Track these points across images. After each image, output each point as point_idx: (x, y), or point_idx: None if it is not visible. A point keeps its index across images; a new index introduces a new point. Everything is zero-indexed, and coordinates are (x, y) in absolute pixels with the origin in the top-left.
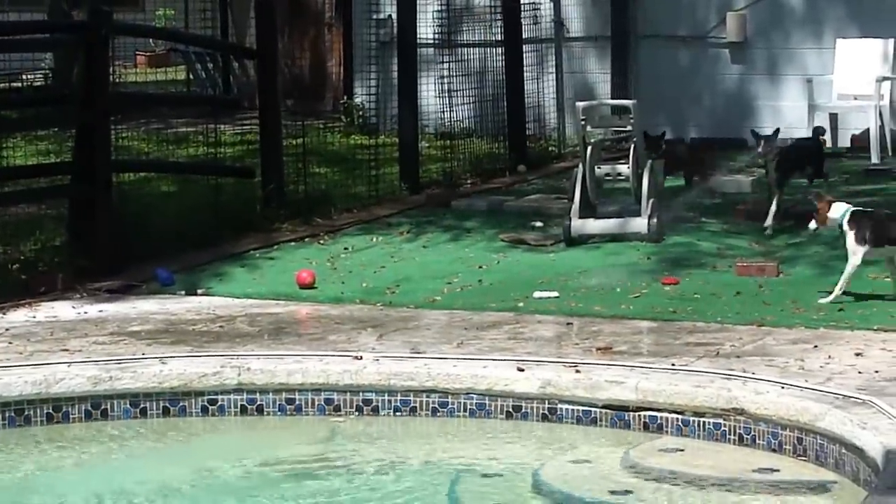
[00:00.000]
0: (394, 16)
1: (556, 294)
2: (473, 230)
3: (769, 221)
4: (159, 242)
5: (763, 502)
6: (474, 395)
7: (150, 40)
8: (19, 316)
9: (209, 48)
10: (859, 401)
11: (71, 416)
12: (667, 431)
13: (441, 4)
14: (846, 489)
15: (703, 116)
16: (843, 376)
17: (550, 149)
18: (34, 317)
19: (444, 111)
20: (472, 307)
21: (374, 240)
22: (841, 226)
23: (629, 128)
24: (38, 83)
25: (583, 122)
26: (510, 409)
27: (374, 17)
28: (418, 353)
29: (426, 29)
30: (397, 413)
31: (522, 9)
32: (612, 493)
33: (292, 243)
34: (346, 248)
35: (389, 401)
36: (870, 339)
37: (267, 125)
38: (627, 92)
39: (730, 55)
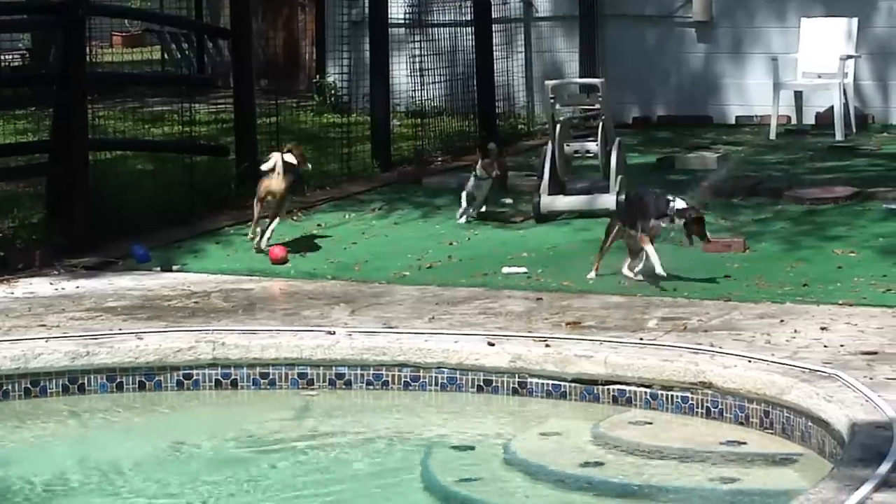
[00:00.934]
0: None
1: (524, 270)
2: (444, 207)
3: None
4: (135, 220)
5: (730, 474)
6: (445, 370)
7: (126, 21)
8: None
9: (184, 28)
10: (825, 374)
11: (49, 391)
12: (635, 405)
13: None
14: (812, 462)
15: (670, 94)
16: (808, 350)
17: (520, 127)
18: (12, 293)
19: (415, 90)
20: (443, 283)
21: (347, 216)
22: None
23: (597, 106)
24: (16, 63)
25: (552, 101)
26: (481, 383)
27: None
28: (390, 327)
29: (397, 9)
30: (370, 387)
31: None
32: (582, 465)
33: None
34: (318, 225)
35: (362, 375)
36: (835, 313)
37: (241, 104)
38: (595, 70)
39: (696, 34)
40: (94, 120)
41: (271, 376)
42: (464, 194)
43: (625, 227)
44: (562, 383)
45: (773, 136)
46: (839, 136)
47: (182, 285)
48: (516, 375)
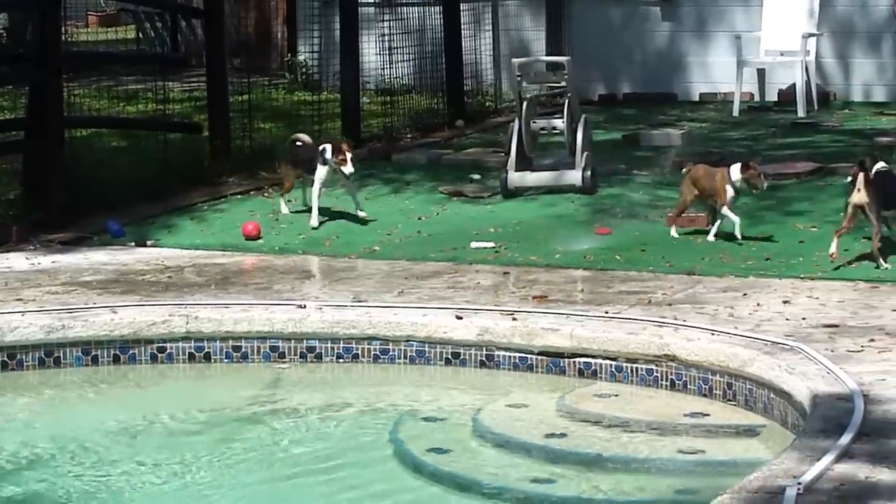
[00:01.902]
0: None
1: (492, 244)
2: (413, 183)
3: None
4: (110, 196)
5: (694, 445)
6: (414, 343)
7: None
8: None
9: (158, 8)
10: (787, 347)
11: (25, 364)
12: (601, 377)
13: None
14: (774, 433)
15: (635, 72)
16: (771, 323)
17: (487, 104)
18: None
19: (384, 68)
20: (412, 257)
21: None
22: None
23: (563, 83)
24: None
25: (518, 79)
26: (449, 356)
27: None
28: (360, 301)
29: None
30: (340, 360)
31: None
32: (549, 435)
33: (238, 196)
34: (290, 201)
35: (332, 348)
36: (797, 287)
37: (214, 82)
38: (561, 49)
39: (660, 13)
40: (69, 98)
41: (243, 349)
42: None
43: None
44: (528, 356)
45: (736, 112)
46: (801, 113)
47: (156, 260)
48: (484, 348)
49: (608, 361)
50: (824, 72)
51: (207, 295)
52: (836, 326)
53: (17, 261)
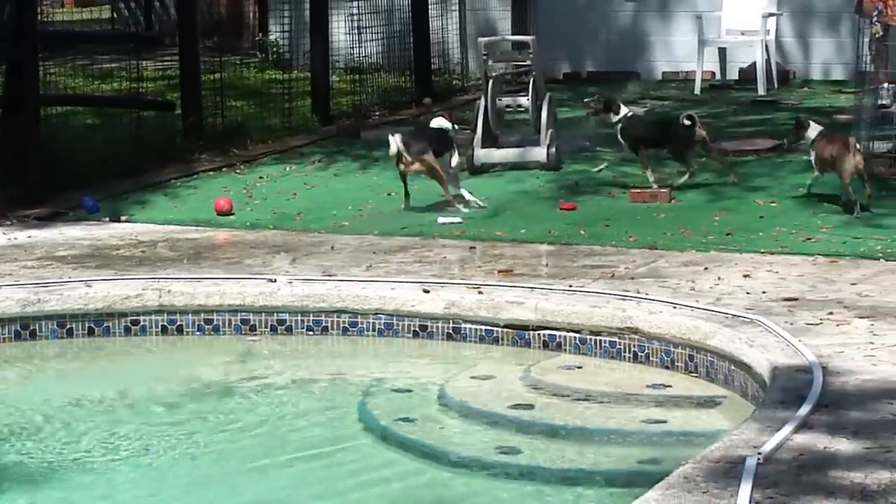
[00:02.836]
0: None
1: (459, 219)
2: (382, 159)
3: None
4: (85, 172)
5: (656, 416)
6: (382, 316)
7: None
8: None
9: None
10: (747, 320)
11: (1, 337)
12: (565, 350)
13: None
14: (735, 404)
15: (599, 51)
16: (731, 297)
17: (454, 82)
18: None
19: (353, 47)
20: (380, 232)
21: (288, 169)
22: None
23: (528, 62)
24: None
25: (485, 57)
26: (416, 329)
27: None
28: (329, 275)
29: None
30: (310, 332)
31: None
32: (514, 406)
33: (210, 173)
34: (261, 177)
35: (302, 321)
36: (757, 261)
37: (186, 61)
38: (527, 28)
39: None
40: (45, 76)
41: (215, 322)
42: None
43: None
44: (494, 329)
45: (697, 90)
46: (761, 91)
47: (130, 235)
48: (451, 321)
49: (572, 334)
50: (784, 51)
51: (180, 269)
52: (796, 300)
53: None
